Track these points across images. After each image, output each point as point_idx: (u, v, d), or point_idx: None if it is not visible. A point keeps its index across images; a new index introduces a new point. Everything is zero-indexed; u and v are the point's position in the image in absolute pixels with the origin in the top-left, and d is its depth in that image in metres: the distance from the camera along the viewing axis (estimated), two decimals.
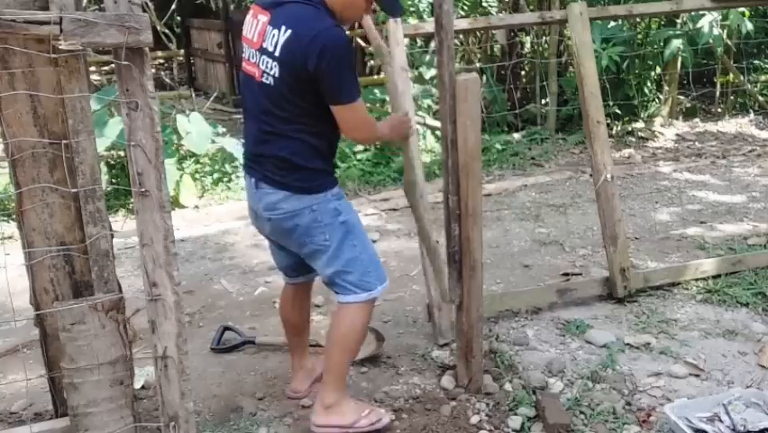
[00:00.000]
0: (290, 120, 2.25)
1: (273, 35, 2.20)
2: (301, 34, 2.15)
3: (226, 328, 3.24)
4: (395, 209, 5.20)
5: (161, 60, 12.11)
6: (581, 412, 2.55)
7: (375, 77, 7.73)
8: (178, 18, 10.96)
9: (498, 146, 6.55)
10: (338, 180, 2.44)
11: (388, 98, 6.63)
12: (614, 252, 3.36)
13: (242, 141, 2.52)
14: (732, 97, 7.86)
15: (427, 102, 6.77)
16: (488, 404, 2.62)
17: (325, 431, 2.45)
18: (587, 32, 3.37)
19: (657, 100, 7.51)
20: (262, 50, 2.23)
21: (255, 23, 2.28)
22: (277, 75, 2.20)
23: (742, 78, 7.64)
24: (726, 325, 3.15)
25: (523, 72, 7.94)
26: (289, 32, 2.16)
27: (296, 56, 2.15)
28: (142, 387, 2.80)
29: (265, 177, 2.33)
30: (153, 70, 2.08)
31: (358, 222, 2.45)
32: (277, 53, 2.19)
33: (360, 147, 6.31)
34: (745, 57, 7.51)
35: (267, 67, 2.23)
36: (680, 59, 7.04)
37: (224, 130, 6.31)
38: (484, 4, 6.69)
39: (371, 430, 2.45)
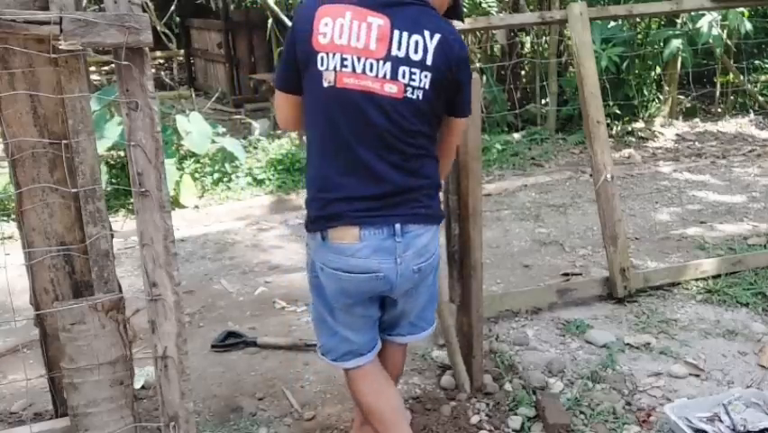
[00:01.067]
0: (433, 138, 1.96)
1: (415, 41, 1.83)
2: (450, 40, 1.86)
3: (230, 333, 3.24)
4: None
5: (161, 60, 12.12)
6: (581, 412, 2.55)
7: None
8: (178, 18, 10.97)
9: (498, 146, 6.55)
10: None
11: None
12: (614, 252, 3.36)
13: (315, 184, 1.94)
14: (732, 97, 7.86)
15: None
16: (488, 404, 2.62)
17: None
18: (587, 32, 3.37)
19: (657, 100, 7.52)
20: (396, 60, 1.82)
21: (358, 26, 1.82)
22: (427, 86, 1.85)
23: (742, 78, 7.64)
24: (726, 325, 3.15)
25: (523, 72, 7.94)
26: (438, 36, 1.84)
27: (449, 63, 1.86)
28: (142, 387, 2.80)
29: (414, 215, 1.90)
30: (153, 70, 2.08)
31: None
32: (429, 61, 1.83)
33: None
34: (745, 57, 7.51)
35: (412, 79, 1.83)
36: (680, 59, 7.05)
37: (224, 130, 6.32)
38: (484, 4, 6.69)
39: None
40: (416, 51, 1.83)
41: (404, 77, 1.83)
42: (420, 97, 1.85)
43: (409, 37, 1.83)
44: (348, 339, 2.05)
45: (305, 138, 2.05)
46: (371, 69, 1.82)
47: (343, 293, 1.95)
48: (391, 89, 1.82)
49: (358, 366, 2.09)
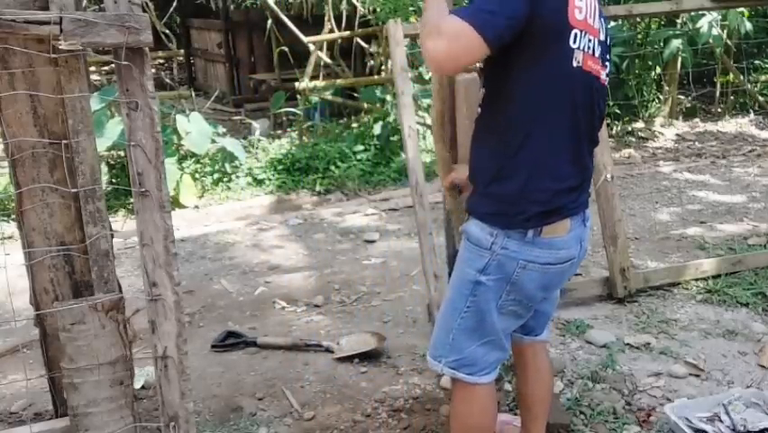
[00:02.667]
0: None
1: (602, 19, 1.70)
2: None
3: (230, 333, 3.24)
4: (395, 209, 5.21)
5: (161, 60, 12.12)
6: (581, 412, 2.55)
7: (375, 77, 7.73)
8: (178, 18, 10.97)
9: None
10: None
11: (388, 98, 6.64)
12: (614, 252, 3.36)
13: (544, 175, 1.70)
14: (732, 97, 7.86)
15: (427, 102, 6.76)
16: None
17: None
18: None
19: (657, 100, 7.52)
20: (601, 39, 1.69)
21: (592, 3, 1.63)
22: (609, 67, 1.76)
23: (742, 77, 7.64)
24: (726, 325, 3.15)
25: None
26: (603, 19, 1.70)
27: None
28: (142, 387, 2.80)
29: (587, 202, 1.82)
30: (153, 70, 2.08)
31: None
32: (608, 41, 1.74)
33: (360, 147, 6.32)
34: (745, 57, 7.51)
35: (606, 59, 1.74)
36: (680, 59, 7.05)
37: (224, 130, 6.32)
38: None
39: None
40: (605, 35, 1.71)
41: (604, 61, 1.71)
42: (607, 82, 1.74)
43: (601, 15, 1.67)
44: (503, 346, 1.90)
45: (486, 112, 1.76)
46: (596, 52, 1.66)
47: (543, 288, 1.83)
48: (604, 74, 1.71)
49: (491, 381, 1.93)
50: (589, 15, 1.61)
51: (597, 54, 1.66)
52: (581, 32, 1.60)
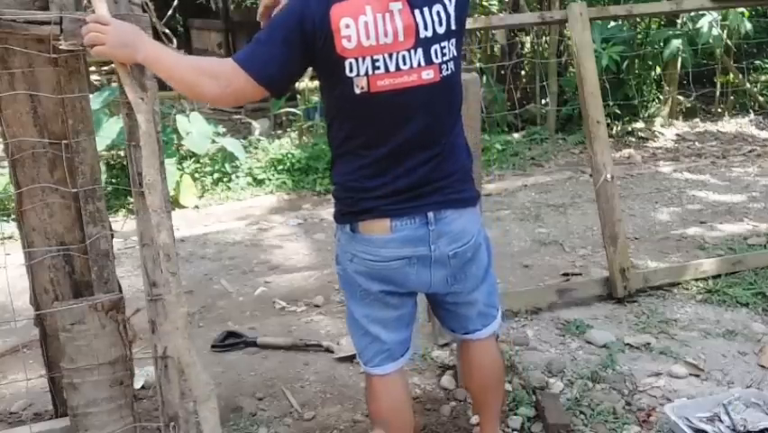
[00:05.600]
0: (458, 114, 1.86)
1: (437, 12, 1.69)
2: None
3: (230, 334, 3.24)
4: None
5: None
6: (581, 412, 2.54)
7: None
8: (179, 18, 10.96)
9: (498, 146, 6.55)
10: None
11: None
12: (614, 252, 3.36)
13: (373, 180, 1.78)
14: (732, 97, 7.86)
15: None
16: None
17: None
18: (587, 32, 3.37)
19: (657, 100, 7.52)
20: (426, 41, 1.69)
21: (382, 19, 1.65)
22: (455, 52, 1.75)
23: (742, 77, 7.64)
24: (726, 325, 3.15)
25: (523, 72, 7.94)
26: None
27: (465, 7, 1.76)
28: (142, 387, 2.80)
29: (447, 201, 1.82)
30: None
31: None
32: (453, 25, 1.72)
33: None
34: (745, 57, 7.51)
35: (443, 54, 1.72)
36: (680, 59, 7.04)
37: (224, 130, 6.32)
38: (485, 2, 6.68)
39: None
40: (440, 24, 1.70)
41: (437, 56, 1.70)
42: (453, 69, 1.75)
43: (430, 10, 1.69)
44: (377, 338, 1.95)
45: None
46: (405, 62, 1.68)
47: (381, 281, 1.87)
48: (428, 75, 1.70)
49: (385, 373, 1.98)
50: (382, 35, 1.65)
51: (407, 65, 1.68)
52: (361, 58, 1.65)
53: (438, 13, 1.69)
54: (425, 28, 1.68)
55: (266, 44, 1.69)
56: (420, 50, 1.68)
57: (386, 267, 1.83)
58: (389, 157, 1.76)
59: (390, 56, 1.67)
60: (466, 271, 1.91)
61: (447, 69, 1.73)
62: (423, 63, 1.69)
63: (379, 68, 1.67)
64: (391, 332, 1.95)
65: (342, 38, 1.64)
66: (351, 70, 1.67)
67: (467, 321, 2.06)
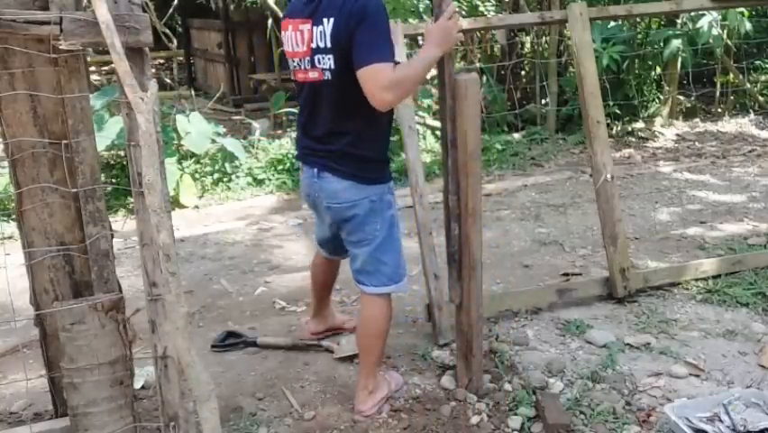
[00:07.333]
0: (349, 111, 2.34)
1: (320, 32, 2.28)
2: (346, 7, 2.21)
3: (230, 334, 3.23)
4: None
5: (161, 60, 12.12)
6: (581, 412, 2.55)
7: None
8: (179, 18, 10.97)
9: (498, 146, 6.55)
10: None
11: None
12: (614, 252, 3.36)
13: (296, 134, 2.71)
14: (732, 97, 7.86)
15: (427, 102, 6.77)
16: (488, 404, 2.62)
17: (375, 410, 2.60)
18: (587, 32, 3.37)
19: (657, 100, 7.52)
20: (314, 51, 2.32)
21: (295, 36, 2.38)
22: (333, 66, 2.28)
23: (742, 77, 7.65)
24: (726, 325, 3.15)
25: (523, 72, 7.94)
26: (333, 18, 2.24)
27: (343, 31, 2.21)
28: (142, 387, 2.80)
29: (326, 167, 2.43)
30: (153, 70, 2.07)
31: (398, 217, 2.61)
32: (329, 44, 2.27)
33: None
34: (745, 57, 7.51)
35: (324, 63, 2.31)
36: (680, 59, 7.05)
37: (224, 130, 6.31)
38: (481, 8, 6.68)
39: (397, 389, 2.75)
40: (321, 41, 2.29)
41: (320, 63, 2.32)
42: (330, 76, 2.30)
43: (318, 30, 2.29)
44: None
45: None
46: (304, 65, 2.38)
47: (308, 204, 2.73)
48: (314, 75, 2.36)
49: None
50: (294, 45, 2.39)
51: (305, 65, 2.37)
52: (291, 59, 2.46)
53: (321, 32, 2.28)
54: (313, 43, 2.32)
55: None
56: (309, 58, 2.35)
57: (307, 197, 2.63)
58: (304, 126, 2.52)
59: (300, 60, 2.40)
60: (344, 228, 2.52)
61: (327, 75, 2.32)
62: (311, 66, 2.36)
63: (296, 66, 2.44)
64: (318, 247, 2.93)
65: (287, 44, 2.45)
66: (292, 64, 2.46)
67: (353, 267, 2.59)
